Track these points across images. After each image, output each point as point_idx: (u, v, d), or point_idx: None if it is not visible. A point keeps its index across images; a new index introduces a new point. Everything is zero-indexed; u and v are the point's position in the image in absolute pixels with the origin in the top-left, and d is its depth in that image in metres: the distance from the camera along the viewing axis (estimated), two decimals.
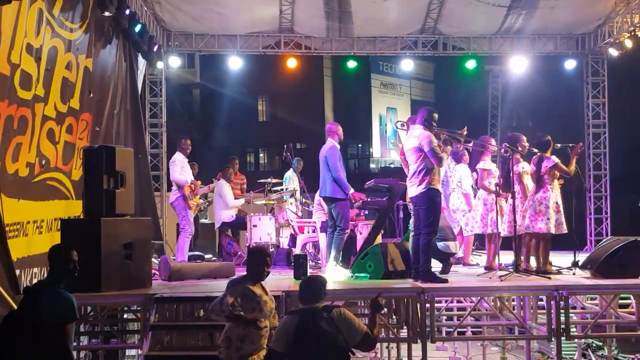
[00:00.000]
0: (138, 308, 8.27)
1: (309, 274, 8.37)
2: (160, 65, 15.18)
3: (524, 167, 9.64)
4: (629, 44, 14.50)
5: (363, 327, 5.61)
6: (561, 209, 9.26)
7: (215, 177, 13.43)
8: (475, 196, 10.73)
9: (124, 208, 8.29)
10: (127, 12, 11.76)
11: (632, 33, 14.21)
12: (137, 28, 12.48)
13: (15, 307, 5.82)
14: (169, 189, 11.92)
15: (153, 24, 14.17)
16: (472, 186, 11.32)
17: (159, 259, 10.10)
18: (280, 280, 9.56)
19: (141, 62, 14.06)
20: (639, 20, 13.94)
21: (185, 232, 10.97)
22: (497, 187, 9.56)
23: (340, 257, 9.86)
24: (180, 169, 11.12)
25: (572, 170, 9.33)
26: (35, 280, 8.30)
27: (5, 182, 7.51)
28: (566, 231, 9.30)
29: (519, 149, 9.56)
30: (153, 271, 9.21)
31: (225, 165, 13.51)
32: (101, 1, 10.41)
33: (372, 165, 38.39)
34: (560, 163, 9.30)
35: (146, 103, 15.20)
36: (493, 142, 10.68)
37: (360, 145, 39.78)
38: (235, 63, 15.70)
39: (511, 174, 9.29)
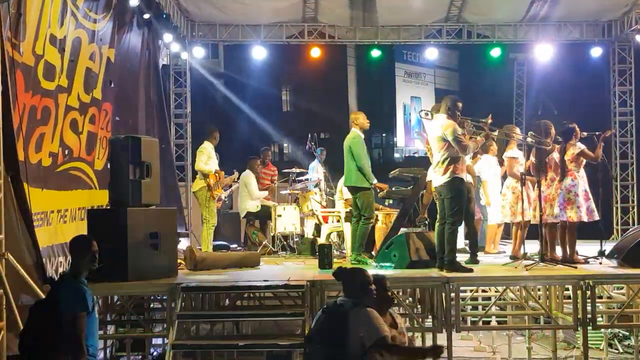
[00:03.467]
0: (164, 297, 8.34)
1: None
2: (184, 55, 15.22)
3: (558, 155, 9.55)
4: None
5: (381, 331, 5.14)
6: (590, 195, 9.19)
7: (237, 167, 13.46)
8: (502, 185, 10.69)
9: (149, 198, 8.35)
10: (152, 2, 11.79)
11: None
12: (161, 19, 12.51)
13: (44, 296, 5.90)
14: (194, 179, 11.95)
15: (177, 14, 14.19)
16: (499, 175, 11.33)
17: (184, 249, 10.16)
18: (305, 269, 9.60)
19: (164, 52, 14.11)
20: None
21: (208, 222, 11.00)
22: (523, 176, 9.50)
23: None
24: (207, 159, 11.15)
25: (598, 155, 9.26)
26: (60, 270, 8.41)
27: (29, 172, 7.60)
28: (598, 218, 9.24)
29: (548, 137, 9.49)
30: (179, 261, 9.27)
31: (251, 156, 13.53)
32: None
33: (397, 155, 38.26)
34: (587, 150, 9.23)
35: (171, 94, 15.26)
36: (517, 130, 10.60)
37: (384, 134, 39.64)
38: (259, 53, 15.70)
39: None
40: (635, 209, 15.88)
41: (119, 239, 7.79)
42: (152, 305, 9.64)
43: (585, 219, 9.12)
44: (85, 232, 8.01)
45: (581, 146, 9.25)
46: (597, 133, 9.52)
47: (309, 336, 5.42)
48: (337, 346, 5.09)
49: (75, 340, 5.46)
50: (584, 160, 9.31)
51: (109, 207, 8.47)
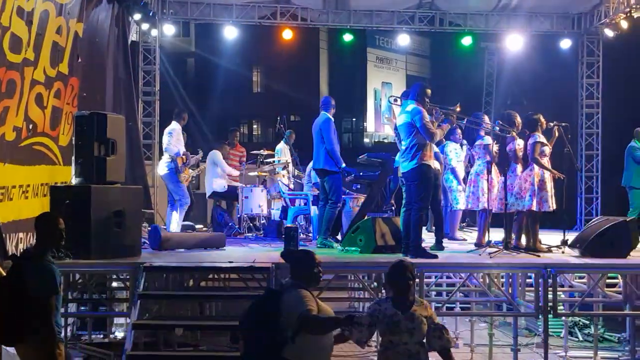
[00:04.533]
0: (127, 276, 8.27)
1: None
2: (154, 33, 15.04)
3: (520, 145, 9.61)
4: (624, 24, 14.43)
5: (304, 306, 4.99)
6: (547, 186, 9.23)
7: (206, 146, 13.39)
8: (468, 173, 10.77)
9: (114, 176, 8.27)
10: None
11: (628, 14, 14.12)
12: None
13: (4, 273, 5.81)
14: (161, 158, 11.83)
15: None
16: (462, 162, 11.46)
17: (149, 228, 10.08)
18: (270, 251, 9.58)
19: (133, 29, 13.92)
20: (635, 1, 13.87)
21: (181, 203, 10.91)
22: (489, 164, 9.57)
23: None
24: (176, 140, 11.04)
25: (537, 160, 9.29)
26: (21, 246, 8.29)
27: None
28: (550, 209, 9.29)
29: (514, 126, 9.55)
30: (143, 240, 9.21)
31: (220, 141, 13.51)
32: None
33: (366, 140, 38.35)
34: (539, 144, 9.26)
35: (139, 71, 15.09)
36: (487, 119, 10.65)
37: (354, 119, 39.72)
38: (230, 33, 15.56)
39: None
40: (599, 200, 16.07)
41: (83, 216, 7.71)
42: (114, 284, 9.57)
43: (535, 208, 9.19)
44: (47, 209, 7.91)
45: (538, 138, 9.29)
46: (563, 124, 9.59)
47: (242, 317, 5.30)
48: (268, 328, 4.97)
49: (45, 323, 5.41)
50: (546, 151, 9.37)
51: (72, 184, 8.35)
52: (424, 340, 5.37)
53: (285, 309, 4.96)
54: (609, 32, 15.10)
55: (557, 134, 9.49)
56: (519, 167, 9.49)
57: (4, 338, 5.62)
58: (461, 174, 11.61)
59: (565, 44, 16.14)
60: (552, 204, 9.27)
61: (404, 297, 5.44)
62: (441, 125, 8.81)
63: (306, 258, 5.35)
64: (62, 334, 5.89)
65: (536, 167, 9.26)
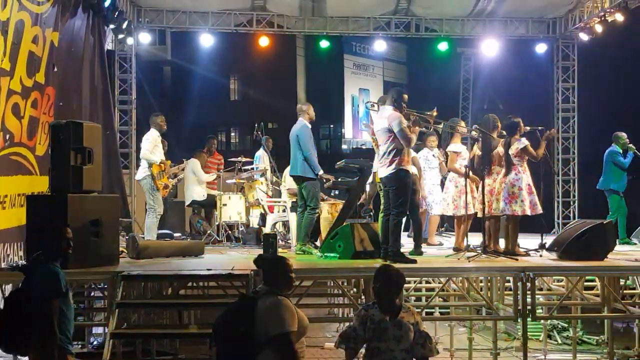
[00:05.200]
0: (105, 286, 8.20)
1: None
2: (130, 41, 14.97)
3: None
4: (599, 29, 14.58)
5: (289, 326, 4.87)
6: (534, 189, 9.33)
7: (184, 155, 13.34)
8: (446, 179, 10.82)
9: (91, 184, 8.20)
10: None
11: (602, 18, 14.28)
12: (107, 3, 12.28)
13: None
14: (138, 166, 11.76)
15: None
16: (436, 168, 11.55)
17: (127, 237, 10.02)
18: (249, 259, 9.53)
19: (108, 37, 13.85)
20: (609, 5, 14.01)
21: (154, 211, 10.85)
22: (467, 169, 9.61)
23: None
24: (153, 147, 10.96)
25: (540, 154, 9.39)
26: None
27: None
28: (542, 211, 9.38)
29: (495, 130, 9.62)
30: (121, 249, 9.14)
31: (197, 149, 13.47)
32: None
33: (344, 146, 38.41)
34: (530, 146, 9.35)
35: (116, 80, 15.01)
36: (463, 124, 10.70)
37: (332, 125, 39.77)
38: (206, 40, 15.54)
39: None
40: (576, 204, 16.19)
41: (59, 226, 7.62)
42: (92, 294, 9.49)
43: (528, 212, 9.25)
44: (24, 219, 7.84)
45: (525, 142, 9.36)
46: (539, 128, 9.66)
47: (216, 324, 5.22)
48: (243, 335, 4.89)
49: (47, 324, 5.41)
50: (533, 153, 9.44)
51: (49, 193, 8.28)
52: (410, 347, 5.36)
53: (262, 315, 4.89)
54: (584, 37, 15.25)
55: (549, 138, 9.56)
56: (503, 172, 9.51)
57: (16, 347, 5.61)
58: (436, 180, 11.69)
59: (541, 48, 16.29)
60: (540, 207, 9.36)
61: (391, 303, 5.43)
62: (413, 129, 8.82)
63: (279, 264, 5.29)
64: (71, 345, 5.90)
65: (522, 172, 9.30)
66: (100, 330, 10.10)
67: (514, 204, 9.28)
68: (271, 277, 5.18)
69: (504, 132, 9.63)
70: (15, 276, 7.26)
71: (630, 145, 12.08)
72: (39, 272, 5.55)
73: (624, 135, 12.24)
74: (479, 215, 9.76)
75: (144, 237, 10.59)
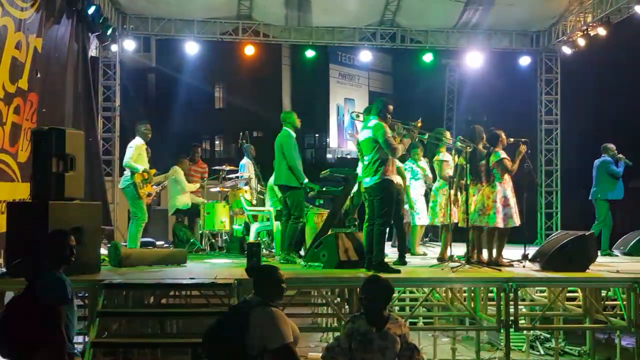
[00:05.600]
0: (86, 294, 8.13)
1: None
2: (114, 48, 14.93)
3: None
4: (581, 42, 14.72)
5: (287, 337, 4.89)
6: (510, 202, 9.33)
7: (168, 163, 13.26)
8: (431, 189, 10.83)
9: (73, 192, 8.13)
10: None
11: (585, 32, 14.43)
12: (91, 9, 12.25)
13: None
14: (121, 174, 11.69)
15: (108, 5, 13.92)
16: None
17: (108, 245, 9.94)
18: (232, 268, 9.51)
19: (92, 44, 13.80)
20: (592, 19, 14.17)
21: (138, 219, 10.77)
22: (451, 179, 9.63)
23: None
24: (137, 155, 10.89)
25: (513, 169, 9.42)
26: None
27: None
28: (515, 225, 9.38)
29: (481, 141, 9.65)
30: (102, 257, 9.07)
31: (180, 154, 13.39)
32: None
33: (329, 156, 38.42)
34: (506, 160, 9.37)
35: (99, 86, 14.95)
36: (448, 135, 10.73)
37: (317, 135, 39.77)
38: (192, 48, 15.52)
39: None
40: (559, 215, 16.27)
41: (40, 233, 7.55)
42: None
43: (500, 224, 9.28)
44: (4, 226, 7.77)
45: (502, 155, 9.40)
46: (523, 140, 9.68)
47: (206, 334, 5.19)
48: (234, 346, 4.87)
49: (55, 332, 5.38)
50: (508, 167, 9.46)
51: (30, 200, 8.20)
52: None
53: (254, 326, 4.86)
54: (567, 50, 15.40)
55: (522, 153, 9.57)
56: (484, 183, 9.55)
57: (18, 354, 5.55)
58: (421, 190, 11.70)
59: (524, 61, 16.42)
60: (516, 220, 9.36)
61: (379, 314, 5.41)
62: (402, 140, 8.84)
63: (272, 273, 5.26)
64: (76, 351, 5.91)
65: (498, 185, 9.34)
66: (80, 339, 9.99)
67: (487, 216, 9.32)
68: (263, 287, 5.15)
69: (487, 144, 9.66)
70: (11, 283, 7.23)
71: (620, 155, 12.16)
72: (44, 280, 5.50)
73: (612, 146, 12.32)
74: (460, 225, 9.77)
75: (126, 245, 10.51)
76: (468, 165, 9.40)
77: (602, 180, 12.29)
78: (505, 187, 9.38)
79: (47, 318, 5.39)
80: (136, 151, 10.79)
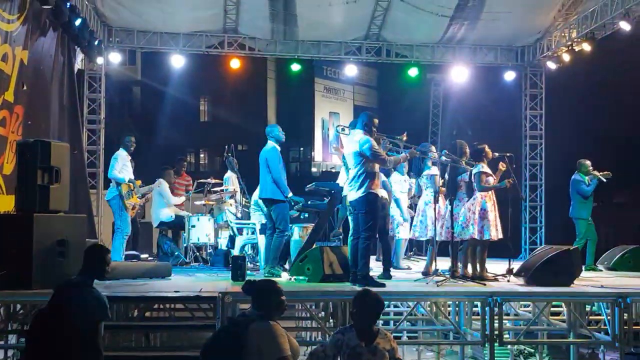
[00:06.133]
0: None
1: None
2: (100, 60, 14.91)
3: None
4: (566, 57, 14.85)
5: (284, 351, 4.96)
6: (489, 215, 9.37)
7: (153, 176, 13.22)
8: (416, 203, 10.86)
9: (58, 204, 8.11)
10: (67, 5, 11.52)
11: (570, 47, 14.55)
12: (77, 22, 12.24)
13: None
14: (106, 187, 11.67)
15: (94, 18, 13.91)
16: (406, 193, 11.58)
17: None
18: (217, 281, 9.48)
19: (78, 57, 13.77)
20: (577, 35, 14.30)
21: (122, 232, 10.74)
22: (436, 194, 9.67)
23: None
24: (121, 166, 10.89)
25: (489, 184, 9.45)
26: None
27: None
28: (492, 238, 9.41)
29: (463, 156, 9.69)
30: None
31: (164, 165, 13.34)
32: None
33: (314, 169, 38.41)
34: (484, 174, 9.43)
35: (84, 99, 14.91)
36: (433, 149, 10.77)
37: (302, 148, 39.77)
38: (177, 61, 15.53)
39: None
40: (543, 229, 16.35)
41: (24, 246, 7.53)
42: None
43: (476, 236, 9.34)
44: None
45: (480, 169, 9.45)
46: (508, 154, 9.73)
47: (204, 348, 5.21)
48: (231, 359, 4.90)
49: (94, 347, 5.50)
50: (490, 181, 9.51)
51: (15, 213, 8.16)
52: None
53: (252, 339, 4.88)
54: (552, 65, 15.52)
55: (502, 169, 9.62)
56: (466, 197, 9.62)
57: None
58: (405, 204, 11.73)
59: (509, 76, 16.52)
60: (494, 233, 9.39)
61: (368, 329, 5.41)
62: (401, 155, 8.89)
63: (271, 288, 5.27)
64: None
65: (479, 197, 9.40)
66: None
67: (466, 229, 9.38)
68: (262, 302, 5.16)
69: (471, 159, 9.71)
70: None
71: (594, 172, 12.18)
72: (84, 294, 5.57)
73: (588, 162, 12.35)
74: (440, 239, 9.80)
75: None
76: (447, 179, 9.48)
77: (574, 198, 12.36)
78: (486, 200, 9.43)
79: (87, 334, 5.46)
80: (120, 162, 10.82)
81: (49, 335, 5.46)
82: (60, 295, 5.68)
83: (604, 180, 12.13)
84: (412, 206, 11.65)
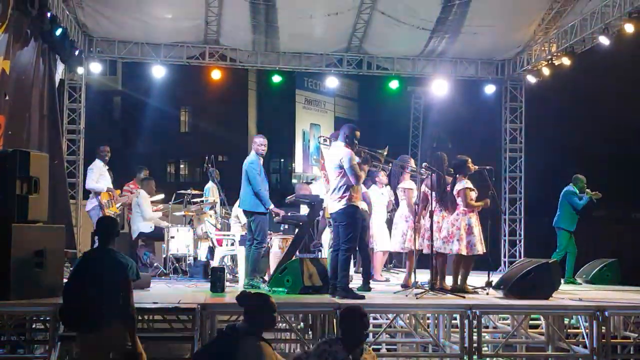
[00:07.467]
0: (47, 318, 8.01)
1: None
2: (80, 70, 14.85)
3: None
4: (546, 71, 14.97)
5: None
6: (474, 230, 9.42)
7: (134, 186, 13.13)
8: (392, 216, 10.90)
9: (36, 214, 8.05)
10: (48, 15, 11.47)
11: (550, 61, 14.67)
12: (58, 32, 12.18)
13: None
14: (85, 197, 11.61)
15: (75, 28, 13.86)
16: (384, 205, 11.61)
17: (71, 268, 9.80)
18: (196, 292, 9.44)
19: (59, 67, 13.70)
20: (556, 49, 14.42)
21: None
22: (416, 206, 9.70)
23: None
24: (98, 176, 10.85)
25: (472, 204, 9.49)
26: None
27: None
28: (479, 252, 9.46)
29: (443, 168, 9.73)
30: (65, 280, 8.94)
31: (145, 171, 13.27)
32: (21, 3, 10.12)
33: (294, 181, 38.32)
34: (469, 190, 9.48)
35: (64, 109, 14.83)
36: (412, 162, 10.81)
37: (282, 160, 39.76)
38: (158, 72, 15.50)
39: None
40: (522, 242, 16.42)
41: (2, 256, 7.47)
42: (34, 326, 9.25)
43: (464, 252, 9.36)
44: None
45: (464, 185, 9.50)
46: (488, 167, 9.78)
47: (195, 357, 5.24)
48: None
49: (129, 306, 5.94)
50: (473, 196, 9.56)
51: None
52: None
53: (241, 357, 4.89)
54: (532, 79, 15.64)
55: (487, 205, 9.67)
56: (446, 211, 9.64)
57: (87, 325, 5.93)
58: (382, 217, 11.76)
59: (490, 89, 16.62)
60: (480, 247, 9.44)
61: (358, 344, 5.41)
62: (363, 167, 8.89)
63: (265, 303, 5.29)
64: None
65: (462, 212, 9.43)
66: None
67: (451, 243, 9.41)
68: (255, 316, 5.19)
69: (452, 170, 9.75)
70: None
71: (588, 190, 12.27)
72: (115, 257, 6.03)
73: (583, 178, 12.45)
74: (425, 252, 9.83)
75: None
76: (433, 192, 9.48)
77: (564, 209, 12.45)
78: (470, 215, 9.47)
79: (120, 291, 5.91)
80: (96, 173, 10.81)
81: (81, 294, 5.95)
82: (85, 260, 6.23)
83: (594, 200, 12.24)
84: (390, 219, 11.67)
